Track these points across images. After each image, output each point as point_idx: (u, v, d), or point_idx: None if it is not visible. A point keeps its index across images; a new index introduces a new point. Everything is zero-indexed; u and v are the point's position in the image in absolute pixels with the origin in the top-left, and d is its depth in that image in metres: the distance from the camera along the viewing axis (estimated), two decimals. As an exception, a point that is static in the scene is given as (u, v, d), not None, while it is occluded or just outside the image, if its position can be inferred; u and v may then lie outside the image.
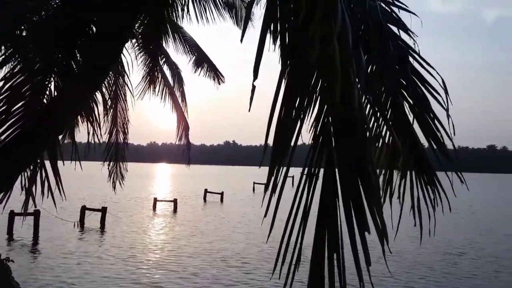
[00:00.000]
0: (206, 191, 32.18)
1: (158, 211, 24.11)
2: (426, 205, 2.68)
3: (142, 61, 8.71)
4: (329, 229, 2.01)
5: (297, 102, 2.10)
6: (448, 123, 2.58)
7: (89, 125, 5.20)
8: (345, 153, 2.01)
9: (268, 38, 2.12)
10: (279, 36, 2.17)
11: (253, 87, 1.96)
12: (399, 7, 2.84)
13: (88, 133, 5.27)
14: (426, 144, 2.81)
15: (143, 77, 8.98)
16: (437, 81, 2.60)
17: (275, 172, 1.99)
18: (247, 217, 21.95)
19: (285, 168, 2.05)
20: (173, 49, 9.31)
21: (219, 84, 10.39)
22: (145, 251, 13.24)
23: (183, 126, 10.08)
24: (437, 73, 2.56)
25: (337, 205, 2.02)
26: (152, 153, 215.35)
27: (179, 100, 10.13)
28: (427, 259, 13.22)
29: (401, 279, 10.81)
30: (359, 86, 1.90)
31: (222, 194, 31.48)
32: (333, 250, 1.98)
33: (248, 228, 18.25)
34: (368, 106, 3.25)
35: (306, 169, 2.15)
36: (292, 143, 2.07)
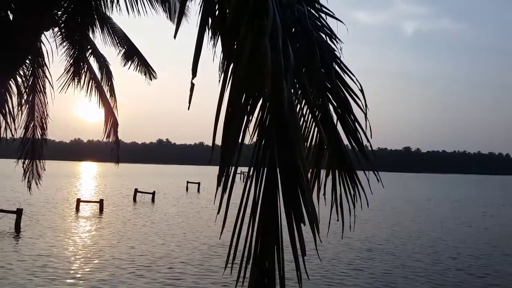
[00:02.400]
0: (136, 190, 30.91)
1: (82, 212, 22.56)
2: (347, 201, 2.87)
3: (65, 52, 8.11)
4: (270, 222, 2.10)
5: (242, 100, 2.13)
6: (366, 125, 2.79)
7: (1, 117, 4.71)
8: (280, 151, 2.08)
9: (208, 35, 2.13)
10: (219, 33, 2.17)
11: (192, 85, 1.94)
12: (327, 14, 3.01)
13: (0, 127, 4.77)
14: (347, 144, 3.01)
15: (66, 69, 8.38)
16: (357, 86, 2.81)
17: (225, 171, 2.03)
18: (179, 217, 21.49)
19: (239, 166, 2.13)
20: (101, 41, 8.81)
21: (151, 79, 10.04)
22: (60, 257, 12.19)
23: (112, 122, 9.58)
24: (357, 79, 2.76)
25: (278, 201, 2.11)
26: (76, 151, 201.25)
27: (107, 95, 9.61)
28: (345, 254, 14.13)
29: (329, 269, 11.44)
30: (287, 85, 1.96)
31: (153, 193, 30.47)
32: (274, 242, 2.08)
33: (181, 229, 17.83)
34: (298, 106, 3.45)
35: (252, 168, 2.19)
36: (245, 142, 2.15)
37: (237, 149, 2.10)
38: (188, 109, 1.98)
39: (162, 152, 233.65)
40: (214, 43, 2.06)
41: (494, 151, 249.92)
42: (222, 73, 2.11)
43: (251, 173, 2.20)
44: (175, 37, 2.16)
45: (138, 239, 15.27)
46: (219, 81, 2.08)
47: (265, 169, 2.14)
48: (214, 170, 2.25)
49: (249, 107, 2.21)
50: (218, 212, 2.05)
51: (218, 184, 2.02)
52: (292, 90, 2.49)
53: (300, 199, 1.98)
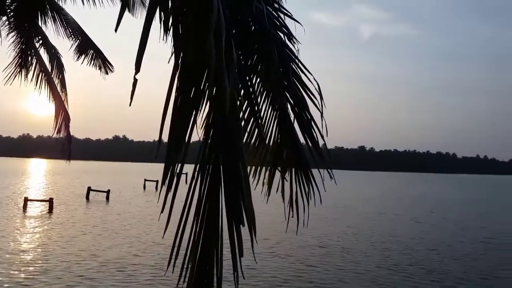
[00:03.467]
0: (89, 189, 29.65)
1: (29, 212, 21.28)
2: (302, 199, 2.94)
3: (13, 42, 7.64)
4: (211, 223, 2.10)
5: (189, 98, 2.09)
6: (322, 124, 2.88)
7: None
8: (223, 151, 2.08)
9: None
10: (171, 28, 2.12)
11: (135, 80, 1.88)
12: (285, 14, 3.05)
13: None
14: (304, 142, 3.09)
15: (13, 60, 7.89)
16: (314, 85, 2.88)
17: (170, 168, 1.99)
18: (134, 217, 20.85)
19: (185, 164, 2.09)
20: (53, 31, 8.37)
21: (107, 73, 9.69)
22: (2, 260, 11.42)
23: (63, 116, 9.13)
24: (314, 78, 2.83)
25: (220, 201, 2.11)
26: (25, 147, 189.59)
27: (58, 88, 9.16)
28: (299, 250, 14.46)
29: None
30: (230, 85, 1.97)
31: (108, 192, 29.39)
32: (214, 243, 2.08)
33: (135, 230, 17.21)
34: (245, 104, 3.47)
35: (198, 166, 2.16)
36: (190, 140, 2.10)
37: (184, 147, 2.06)
38: (130, 105, 1.93)
39: (119, 149, 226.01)
40: (165, 39, 2.02)
41: (441, 150, 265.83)
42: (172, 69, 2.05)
43: (196, 173, 2.15)
44: (116, 30, 2.07)
45: (88, 240, 14.64)
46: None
47: (210, 169, 2.13)
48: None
49: (196, 105, 2.16)
50: (162, 211, 2.03)
51: (163, 183, 1.99)
52: (242, 91, 2.52)
53: (240, 200, 1.98)
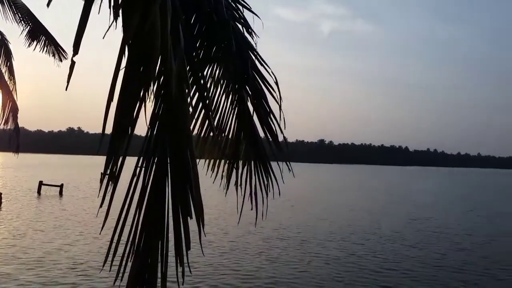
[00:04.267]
0: (41, 183, 28.13)
1: (-26, 208, 19.88)
2: (261, 191, 2.97)
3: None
4: (156, 215, 2.04)
5: (136, 86, 1.97)
6: (280, 117, 2.91)
7: None
8: (171, 137, 2.03)
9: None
10: (121, 10, 2.02)
11: (72, 63, 1.77)
12: (243, 6, 3.03)
13: None
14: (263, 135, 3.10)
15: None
16: (272, 78, 2.90)
17: (112, 159, 1.89)
18: (88, 212, 20.02)
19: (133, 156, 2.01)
20: (1, 16, 7.81)
21: (61, 61, 9.22)
22: None
23: (10, 107, 8.59)
24: (272, 72, 2.84)
25: (166, 193, 2.04)
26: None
27: (6, 77, 8.59)
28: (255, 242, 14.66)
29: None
30: (177, 70, 1.91)
31: (61, 186, 28.04)
32: (159, 236, 2.02)
33: (89, 226, 16.44)
34: (216, 97, 3.44)
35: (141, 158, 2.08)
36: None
37: (127, 137, 1.96)
38: (66, 89, 1.82)
39: (73, 141, 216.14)
40: (115, 26, 1.92)
41: (395, 144, 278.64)
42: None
43: (140, 163, 2.09)
44: (48, 5, 1.93)
45: (36, 237, 13.91)
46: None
47: (155, 159, 2.07)
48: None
49: (142, 92, 2.03)
50: (101, 206, 1.94)
51: (104, 174, 1.88)
52: (196, 80, 2.47)
53: (188, 191, 1.94)
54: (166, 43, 1.78)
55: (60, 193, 27.46)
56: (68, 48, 8.66)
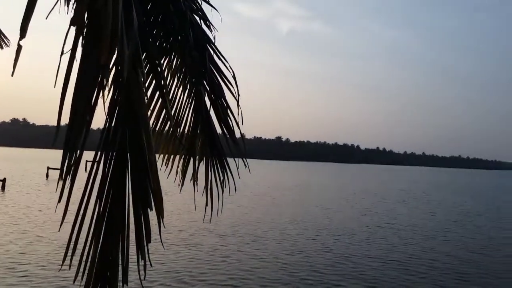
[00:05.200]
0: (-21, 178, 26.05)
1: None
2: (216, 187, 2.92)
3: None
4: (116, 210, 1.99)
5: (92, 73, 1.88)
6: (238, 113, 2.88)
7: None
8: (130, 134, 1.97)
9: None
10: None
11: (19, 47, 1.65)
12: (202, -1, 2.96)
13: None
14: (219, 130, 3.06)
15: None
16: (230, 73, 2.86)
17: (68, 155, 1.82)
18: (32, 209, 18.84)
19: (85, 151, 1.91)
20: None
21: (1, 48, 8.51)
22: None
23: None
24: (230, 66, 2.80)
25: (127, 186, 2.00)
26: None
27: None
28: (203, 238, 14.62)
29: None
30: (129, 55, 1.84)
31: (4, 181, 26.14)
32: (119, 230, 1.97)
33: (32, 224, 15.52)
34: (173, 90, 3.34)
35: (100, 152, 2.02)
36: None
37: (84, 130, 1.89)
38: (12, 75, 1.70)
39: (18, 134, 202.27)
40: (67, 11, 1.80)
41: (347, 142, 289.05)
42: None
43: (97, 157, 2.03)
44: None
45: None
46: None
47: (114, 151, 2.00)
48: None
49: (98, 80, 1.95)
50: (59, 201, 1.87)
51: (61, 169, 1.83)
52: (151, 69, 2.38)
53: (147, 182, 1.90)
54: (117, 23, 1.68)
55: (3, 187, 25.62)
56: (12, 34, 8.05)
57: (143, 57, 2.50)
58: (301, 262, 11.61)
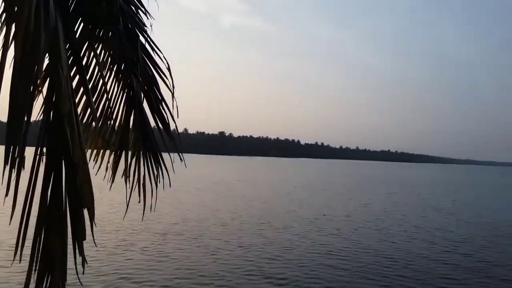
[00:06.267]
0: None
1: None
2: (150, 182, 2.80)
3: None
4: (55, 208, 1.96)
5: (30, 71, 1.81)
6: (173, 105, 2.77)
7: None
8: (53, 129, 1.86)
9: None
10: None
11: None
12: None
13: None
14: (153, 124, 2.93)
15: None
16: (164, 64, 2.74)
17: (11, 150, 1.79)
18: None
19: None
20: None
21: None
22: None
23: None
24: (164, 57, 2.69)
25: (63, 184, 1.98)
26: None
27: None
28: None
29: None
30: (45, 47, 1.74)
31: None
32: (59, 229, 1.95)
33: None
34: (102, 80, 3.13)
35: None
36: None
37: (24, 125, 1.84)
38: None
39: None
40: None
41: (288, 137, 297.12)
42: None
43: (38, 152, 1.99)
44: None
45: None
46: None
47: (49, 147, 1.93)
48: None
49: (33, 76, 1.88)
50: (6, 195, 1.88)
51: (5, 164, 1.82)
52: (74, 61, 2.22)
53: (76, 179, 1.86)
54: (30, 11, 1.53)
55: None
56: None
57: (67, 48, 2.33)
58: (244, 257, 11.70)
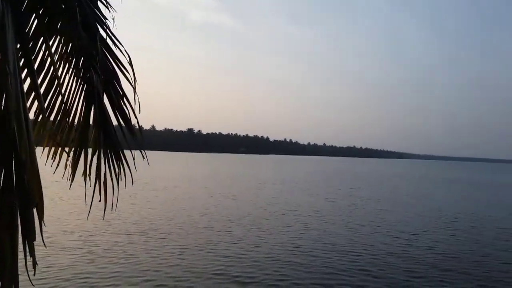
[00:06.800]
0: None
1: None
2: (111, 180, 2.71)
3: None
4: (4, 209, 1.85)
5: None
6: (135, 100, 2.69)
7: None
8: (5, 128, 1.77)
9: None
10: None
11: None
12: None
13: None
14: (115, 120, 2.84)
15: None
16: (126, 58, 2.65)
17: None
18: None
19: None
20: None
21: None
22: None
23: None
24: (125, 50, 2.60)
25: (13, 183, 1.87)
26: None
27: None
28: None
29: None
30: None
31: None
32: (8, 230, 1.84)
33: None
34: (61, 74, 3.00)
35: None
36: None
37: None
38: None
39: None
40: None
41: (257, 134, 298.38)
42: None
43: None
44: None
45: None
46: None
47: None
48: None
49: None
50: None
51: None
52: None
53: (23, 177, 1.77)
54: None
55: None
56: None
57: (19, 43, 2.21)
58: (212, 256, 11.64)
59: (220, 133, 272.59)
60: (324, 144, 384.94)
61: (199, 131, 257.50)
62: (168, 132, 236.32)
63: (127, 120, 2.72)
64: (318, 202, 25.24)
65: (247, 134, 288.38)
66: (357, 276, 10.14)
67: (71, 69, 3.03)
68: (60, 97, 2.98)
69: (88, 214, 3.75)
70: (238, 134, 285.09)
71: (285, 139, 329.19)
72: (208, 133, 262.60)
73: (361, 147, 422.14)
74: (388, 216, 20.43)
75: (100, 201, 2.65)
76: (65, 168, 2.88)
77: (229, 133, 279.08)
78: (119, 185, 2.71)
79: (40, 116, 2.67)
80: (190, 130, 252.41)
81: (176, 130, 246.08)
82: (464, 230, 17.28)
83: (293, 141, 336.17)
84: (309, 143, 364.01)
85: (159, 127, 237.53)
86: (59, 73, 3.00)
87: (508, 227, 18.53)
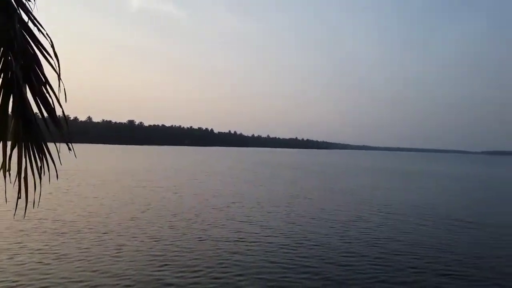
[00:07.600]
0: None
1: None
2: (33, 174, 2.50)
3: None
4: None
5: None
6: (60, 89, 2.50)
7: None
8: None
9: None
10: None
11: None
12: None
13: None
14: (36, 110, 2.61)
15: None
16: (48, 42, 2.45)
17: None
18: None
19: None
20: None
21: None
22: None
23: None
24: (47, 34, 2.40)
25: None
26: None
27: None
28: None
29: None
30: None
31: None
32: None
33: None
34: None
35: None
36: None
37: None
38: None
39: None
40: None
41: (202, 126, 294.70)
42: None
43: None
44: None
45: None
46: None
47: None
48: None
49: None
50: None
51: None
52: None
53: None
54: None
55: None
56: None
57: None
58: (155, 251, 11.35)
59: (163, 125, 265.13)
60: (268, 136, 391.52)
61: (141, 123, 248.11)
62: (107, 124, 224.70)
63: (50, 109, 2.52)
64: (260, 193, 25.66)
65: (191, 126, 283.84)
66: (298, 263, 10.50)
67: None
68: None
69: (15, 212, 3.45)
70: (182, 126, 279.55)
71: (229, 131, 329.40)
72: (150, 125, 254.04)
73: (302, 139, 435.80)
74: (329, 204, 21.39)
75: (19, 197, 2.44)
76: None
77: (172, 125, 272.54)
78: (41, 180, 2.51)
79: None
80: (131, 122, 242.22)
81: (115, 122, 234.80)
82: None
83: (238, 133, 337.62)
84: (253, 135, 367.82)
85: (96, 118, 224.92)
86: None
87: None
